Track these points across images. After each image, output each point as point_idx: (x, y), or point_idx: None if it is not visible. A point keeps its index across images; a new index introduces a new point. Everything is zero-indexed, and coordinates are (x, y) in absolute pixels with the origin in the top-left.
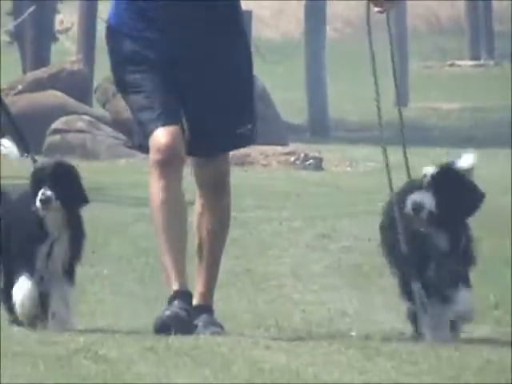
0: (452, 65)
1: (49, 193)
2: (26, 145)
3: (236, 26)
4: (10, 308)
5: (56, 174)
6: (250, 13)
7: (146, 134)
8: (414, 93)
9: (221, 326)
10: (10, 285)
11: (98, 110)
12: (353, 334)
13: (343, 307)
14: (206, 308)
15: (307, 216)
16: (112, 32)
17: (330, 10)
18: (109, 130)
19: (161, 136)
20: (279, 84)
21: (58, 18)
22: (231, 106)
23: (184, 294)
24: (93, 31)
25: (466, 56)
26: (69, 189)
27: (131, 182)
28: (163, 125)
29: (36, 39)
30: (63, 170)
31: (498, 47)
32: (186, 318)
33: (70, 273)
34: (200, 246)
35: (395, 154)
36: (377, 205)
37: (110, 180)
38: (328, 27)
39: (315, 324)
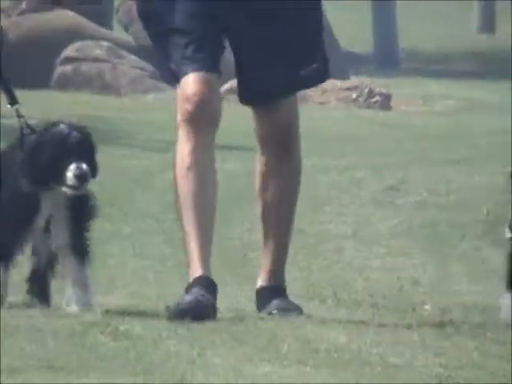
0: None
1: (85, 167)
2: (14, 95)
3: None
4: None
5: (83, 146)
6: None
7: (177, 76)
8: (501, 17)
9: (300, 309)
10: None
11: (119, 34)
12: (427, 307)
13: (415, 275)
14: (278, 290)
15: (372, 165)
16: None
17: None
18: (133, 58)
19: (194, 83)
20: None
21: None
22: (291, 44)
23: (206, 281)
24: None
25: None
26: (92, 162)
27: (159, 123)
28: (199, 70)
29: None
30: (88, 140)
31: None
32: (207, 304)
33: (81, 251)
34: (265, 213)
35: (481, 90)
36: (457, 152)
37: (134, 119)
38: None
39: (381, 295)
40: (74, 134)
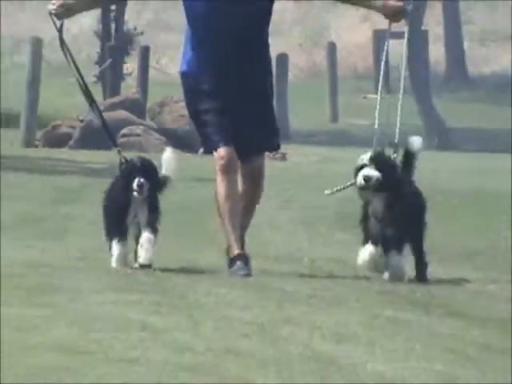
0: None
1: (142, 180)
2: (115, 141)
3: (264, 59)
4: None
5: (146, 167)
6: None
7: (212, 147)
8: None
9: (250, 272)
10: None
11: (149, 122)
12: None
13: None
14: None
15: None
16: (185, 74)
17: None
18: (156, 134)
19: (224, 152)
20: None
21: (125, 66)
22: (262, 121)
23: (244, 256)
24: (146, 74)
25: None
26: (153, 178)
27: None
28: (225, 144)
29: (112, 79)
30: (149, 164)
31: None
32: (248, 273)
33: (151, 228)
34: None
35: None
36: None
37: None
38: None
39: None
40: (139, 163)
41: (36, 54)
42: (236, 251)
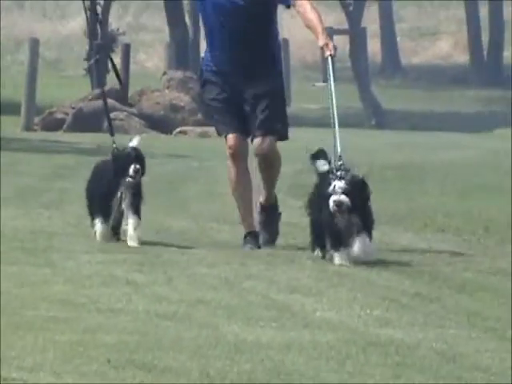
0: None
1: (138, 166)
2: (113, 131)
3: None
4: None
5: (139, 156)
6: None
7: (221, 133)
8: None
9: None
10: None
11: (130, 108)
12: None
13: None
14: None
15: None
16: (202, 72)
17: None
18: (136, 119)
19: (231, 141)
20: None
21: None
22: (268, 108)
23: (252, 233)
24: (127, 67)
25: None
26: (143, 166)
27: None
28: (232, 131)
29: (98, 72)
30: (140, 153)
31: None
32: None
33: (136, 209)
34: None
35: None
36: None
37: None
38: None
39: None
40: (132, 152)
41: (34, 52)
42: (246, 230)
